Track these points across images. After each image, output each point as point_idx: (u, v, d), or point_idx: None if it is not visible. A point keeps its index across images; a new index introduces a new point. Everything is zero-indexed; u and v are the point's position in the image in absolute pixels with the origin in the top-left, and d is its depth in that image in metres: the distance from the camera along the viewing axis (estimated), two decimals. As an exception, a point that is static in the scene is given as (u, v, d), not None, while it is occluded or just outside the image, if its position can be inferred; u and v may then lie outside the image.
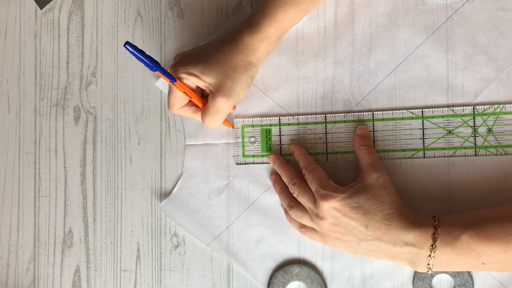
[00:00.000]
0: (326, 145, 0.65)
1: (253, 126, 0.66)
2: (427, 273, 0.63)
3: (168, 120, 0.69)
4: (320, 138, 0.65)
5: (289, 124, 0.66)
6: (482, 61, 0.63)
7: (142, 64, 0.69)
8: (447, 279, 0.63)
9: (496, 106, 0.62)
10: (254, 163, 0.66)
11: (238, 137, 0.67)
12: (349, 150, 0.65)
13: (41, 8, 0.71)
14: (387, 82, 0.65)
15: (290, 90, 0.66)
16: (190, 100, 0.62)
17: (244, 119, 0.66)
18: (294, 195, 0.62)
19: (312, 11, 0.66)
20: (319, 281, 0.65)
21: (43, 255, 0.70)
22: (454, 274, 0.63)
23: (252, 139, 0.66)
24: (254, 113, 0.67)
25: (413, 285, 0.64)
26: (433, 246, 0.55)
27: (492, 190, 0.62)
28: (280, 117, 0.66)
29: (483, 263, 0.55)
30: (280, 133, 0.66)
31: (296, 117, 0.66)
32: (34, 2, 0.71)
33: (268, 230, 0.66)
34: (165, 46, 0.69)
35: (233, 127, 0.66)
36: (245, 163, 0.67)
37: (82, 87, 0.70)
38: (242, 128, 0.66)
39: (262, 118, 0.66)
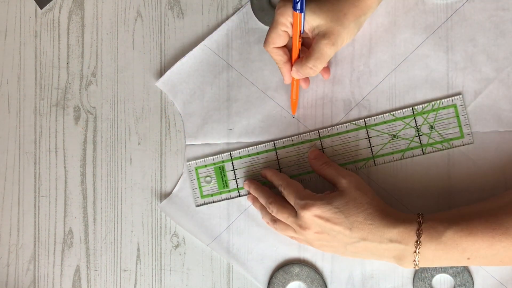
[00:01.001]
0: (280, 170, 0.66)
1: (206, 166, 0.67)
2: (427, 274, 0.63)
3: (168, 120, 0.69)
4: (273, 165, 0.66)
5: (240, 157, 0.66)
6: (482, 61, 0.63)
7: (142, 64, 0.69)
8: (447, 279, 0.63)
9: (433, 102, 0.63)
10: (213, 202, 0.67)
11: (194, 179, 0.67)
12: (303, 172, 0.65)
13: (41, 8, 0.71)
14: (387, 82, 0.65)
15: (290, 90, 0.66)
16: (284, 50, 0.60)
17: (197, 161, 0.67)
18: (273, 213, 0.61)
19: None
20: (319, 281, 0.65)
21: (43, 255, 0.70)
22: (454, 274, 0.63)
23: (208, 179, 0.67)
24: (207, 152, 0.67)
25: (413, 285, 0.64)
26: (418, 242, 0.55)
27: (493, 192, 0.62)
28: (231, 152, 0.66)
29: (468, 258, 0.55)
30: (233, 167, 0.66)
31: (247, 149, 0.66)
32: (34, 2, 0.71)
33: (268, 230, 0.66)
34: (165, 46, 0.69)
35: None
36: (204, 204, 0.67)
37: (82, 87, 0.70)
38: (196, 169, 0.67)
39: (214, 157, 0.66)
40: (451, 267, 0.62)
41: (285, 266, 0.66)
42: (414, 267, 0.57)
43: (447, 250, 0.55)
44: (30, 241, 0.71)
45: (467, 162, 0.63)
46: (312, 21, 0.57)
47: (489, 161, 0.63)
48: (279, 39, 0.59)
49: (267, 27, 0.66)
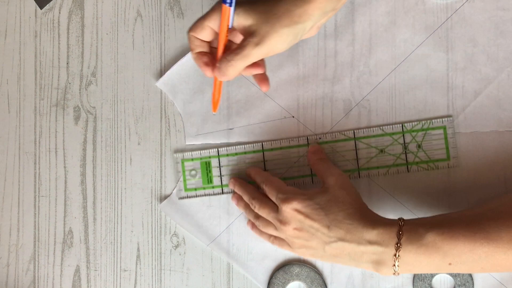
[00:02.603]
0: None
1: (192, 159, 0.67)
2: (427, 274, 0.63)
3: (168, 120, 0.69)
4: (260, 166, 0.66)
5: (227, 155, 0.66)
6: (482, 61, 0.63)
7: (142, 64, 0.69)
8: (447, 279, 0.63)
9: (423, 122, 0.63)
10: (196, 196, 0.67)
11: (179, 171, 0.67)
12: (288, 176, 0.65)
13: (41, 8, 0.71)
14: (387, 82, 0.65)
15: (290, 90, 0.66)
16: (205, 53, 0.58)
17: (184, 153, 0.67)
18: (256, 210, 0.62)
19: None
20: (319, 281, 0.65)
21: (43, 255, 0.70)
22: (454, 274, 0.63)
23: (193, 173, 0.67)
24: (194, 146, 0.67)
25: (413, 285, 0.64)
26: (398, 245, 0.53)
27: (493, 192, 0.62)
28: (219, 148, 0.66)
29: (450, 263, 0.53)
30: (219, 164, 0.66)
31: (235, 147, 0.66)
32: (34, 2, 0.71)
33: (268, 230, 0.66)
34: (165, 46, 0.69)
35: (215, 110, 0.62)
36: (187, 197, 0.67)
37: (82, 87, 0.70)
38: (182, 162, 0.67)
39: (201, 151, 0.67)
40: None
41: (285, 266, 0.66)
42: (393, 273, 0.55)
43: (428, 254, 0.53)
44: (30, 241, 0.71)
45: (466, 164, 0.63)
46: (244, 21, 0.54)
47: (489, 161, 0.63)
48: (202, 32, 0.56)
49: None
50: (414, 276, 0.64)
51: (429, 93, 0.64)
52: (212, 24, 0.56)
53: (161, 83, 0.69)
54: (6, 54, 0.72)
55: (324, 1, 0.53)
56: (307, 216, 0.57)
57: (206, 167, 0.67)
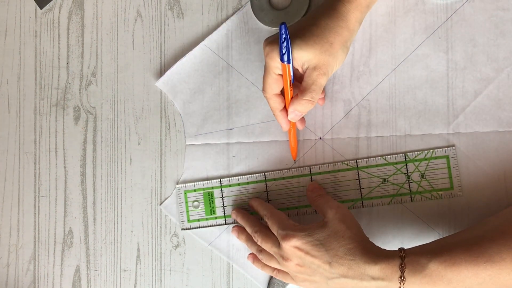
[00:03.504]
0: (268, 202, 0.66)
1: (195, 190, 0.67)
2: None
3: (168, 120, 0.69)
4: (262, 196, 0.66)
5: (230, 186, 0.66)
6: (482, 61, 0.63)
7: (142, 64, 0.69)
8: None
9: (426, 151, 0.63)
10: (199, 227, 0.67)
11: (182, 203, 0.67)
12: (291, 206, 0.65)
13: (41, 8, 0.71)
14: (387, 82, 0.65)
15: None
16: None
17: (186, 184, 0.67)
18: (258, 243, 0.61)
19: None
20: (319, 281, 0.65)
21: (43, 255, 0.70)
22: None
23: (196, 204, 0.67)
24: (199, 177, 0.67)
25: (413, 285, 0.64)
26: (402, 278, 0.53)
27: (493, 192, 0.62)
28: (221, 179, 0.66)
29: None
30: (222, 195, 0.66)
31: (237, 177, 0.66)
32: (34, 2, 0.71)
33: (268, 230, 0.66)
34: (165, 46, 0.69)
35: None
36: (190, 228, 0.67)
37: (82, 87, 0.70)
38: (185, 193, 0.67)
39: (204, 182, 0.67)
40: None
41: (285, 266, 0.66)
42: None
43: (433, 284, 0.52)
44: (30, 241, 0.71)
45: (467, 162, 0.63)
46: (301, 58, 0.56)
47: (489, 161, 0.63)
48: (276, 83, 0.59)
49: (267, 27, 0.66)
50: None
51: (429, 93, 0.64)
52: (278, 71, 0.57)
53: (161, 83, 0.69)
54: (6, 54, 0.72)
55: (360, 13, 0.57)
56: (307, 253, 0.56)
57: (209, 197, 0.67)
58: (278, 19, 0.66)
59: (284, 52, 0.54)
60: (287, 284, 0.65)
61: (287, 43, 0.54)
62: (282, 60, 0.55)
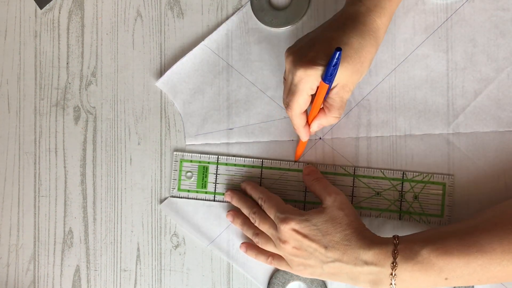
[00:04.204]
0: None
1: (191, 161, 0.67)
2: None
3: (168, 120, 0.69)
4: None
5: (226, 164, 0.66)
6: (482, 61, 0.63)
7: (142, 64, 0.69)
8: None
9: (425, 174, 0.63)
10: (188, 198, 0.67)
11: (176, 170, 0.67)
12: (282, 198, 0.64)
13: (41, 8, 0.71)
14: (387, 82, 0.65)
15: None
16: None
17: (184, 153, 0.67)
18: (256, 224, 0.62)
19: (312, 12, 0.66)
20: (319, 281, 0.65)
21: (43, 255, 0.70)
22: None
23: (189, 174, 0.67)
24: (195, 148, 0.67)
25: (413, 285, 0.64)
26: (394, 264, 0.54)
27: (492, 191, 0.62)
28: (219, 156, 0.66)
29: (446, 278, 0.53)
30: (216, 171, 0.66)
31: (235, 158, 0.66)
32: (34, 2, 0.71)
33: (268, 230, 0.66)
34: (165, 46, 0.69)
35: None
36: (179, 197, 0.67)
37: (82, 87, 0.70)
38: (181, 162, 0.67)
39: (201, 155, 0.67)
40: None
41: (285, 266, 0.66)
42: None
43: (424, 271, 0.53)
44: (30, 241, 0.71)
45: (466, 161, 0.63)
46: (336, 81, 0.56)
47: (489, 161, 0.63)
48: (306, 103, 0.58)
49: (267, 27, 0.66)
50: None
51: (429, 93, 0.64)
52: (311, 92, 0.56)
53: (161, 83, 0.69)
54: (6, 54, 0.72)
55: (388, 22, 0.57)
56: (305, 236, 0.57)
57: (203, 171, 0.67)
58: (278, 19, 0.66)
59: (330, 74, 0.53)
60: (287, 284, 0.65)
61: (336, 68, 0.52)
62: (324, 81, 0.54)
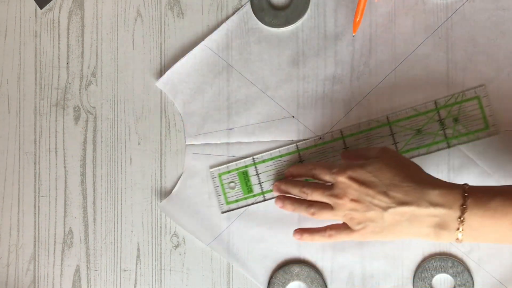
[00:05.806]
0: None
1: (229, 172, 0.67)
2: (427, 274, 0.63)
3: (168, 120, 0.69)
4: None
5: (264, 161, 0.66)
6: (482, 61, 0.63)
7: (142, 64, 0.69)
8: (447, 279, 0.63)
9: (456, 95, 0.62)
10: (238, 208, 0.66)
11: (218, 186, 0.67)
12: None
13: (41, 8, 0.71)
14: (387, 82, 0.65)
15: (290, 90, 0.66)
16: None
17: (220, 167, 0.67)
18: (308, 196, 0.59)
19: (313, 12, 0.66)
20: (319, 281, 0.65)
21: (43, 255, 0.70)
22: (454, 274, 0.63)
23: (232, 185, 0.67)
24: (226, 159, 0.67)
25: (413, 285, 0.64)
26: (464, 206, 0.49)
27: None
28: (254, 157, 0.66)
29: None
30: (257, 172, 0.66)
31: (269, 152, 0.66)
32: (34, 2, 0.71)
33: (268, 230, 0.66)
34: (165, 46, 0.69)
35: None
36: (230, 210, 0.67)
37: (82, 87, 0.70)
38: (219, 176, 0.67)
39: (236, 162, 0.66)
40: (451, 267, 0.62)
41: (285, 266, 0.66)
42: (456, 240, 0.50)
43: (496, 219, 0.49)
44: (30, 241, 0.71)
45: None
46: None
47: (489, 161, 0.63)
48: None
49: (267, 27, 0.66)
50: (414, 276, 0.64)
51: (429, 93, 0.64)
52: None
53: (161, 83, 0.69)
54: (6, 54, 0.72)
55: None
56: (362, 183, 0.54)
57: (244, 177, 0.66)
58: (278, 19, 0.66)
59: None
60: (287, 284, 0.65)
61: None
62: None
